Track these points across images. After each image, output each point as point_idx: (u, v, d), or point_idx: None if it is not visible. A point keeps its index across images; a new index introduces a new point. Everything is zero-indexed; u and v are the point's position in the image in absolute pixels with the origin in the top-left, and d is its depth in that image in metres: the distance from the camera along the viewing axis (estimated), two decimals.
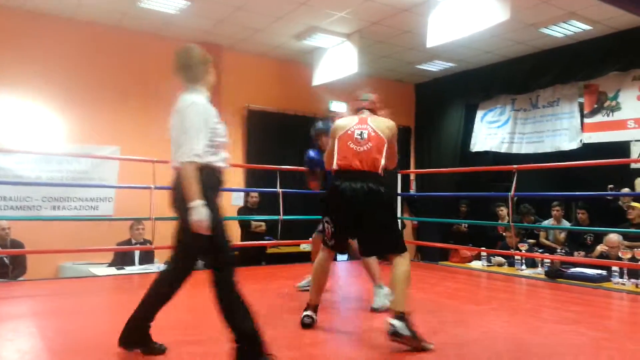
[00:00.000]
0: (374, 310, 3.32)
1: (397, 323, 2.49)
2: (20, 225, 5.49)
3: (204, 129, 2.27)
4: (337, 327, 3.18)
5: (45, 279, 4.91)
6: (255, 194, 6.47)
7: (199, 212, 2.17)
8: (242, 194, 7.27)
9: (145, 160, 5.06)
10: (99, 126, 6.67)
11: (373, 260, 3.46)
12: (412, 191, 9.08)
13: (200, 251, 2.33)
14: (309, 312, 2.91)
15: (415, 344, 2.49)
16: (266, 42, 7.46)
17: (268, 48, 7.74)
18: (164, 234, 5.59)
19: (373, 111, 3.05)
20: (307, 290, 3.30)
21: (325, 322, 3.07)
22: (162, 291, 2.35)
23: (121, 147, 6.58)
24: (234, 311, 2.22)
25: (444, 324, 3.06)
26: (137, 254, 5.52)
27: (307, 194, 7.00)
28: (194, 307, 3.40)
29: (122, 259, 5.44)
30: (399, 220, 3.02)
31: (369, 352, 2.60)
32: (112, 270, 5.01)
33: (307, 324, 2.88)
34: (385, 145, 2.86)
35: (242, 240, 6.42)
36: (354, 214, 2.78)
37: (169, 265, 2.42)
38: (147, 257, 5.51)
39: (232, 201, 7.54)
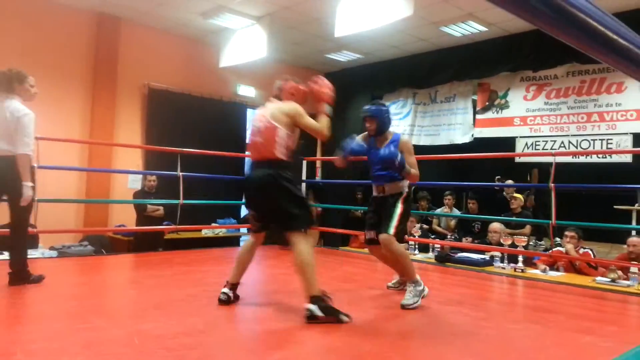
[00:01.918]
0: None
1: (311, 307, 2.69)
2: None
3: (32, 131, 3.28)
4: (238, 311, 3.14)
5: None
6: (153, 178, 6.16)
7: (30, 190, 3.26)
8: (139, 177, 6.91)
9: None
10: None
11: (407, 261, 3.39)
12: (318, 178, 9.21)
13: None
14: (224, 290, 3.07)
15: (331, 320, 2.69)
16: (170, 17, 7.12)
17: (172, 24, 7.39)
18: (49, 217, 5.22)
19: (279, 98, 3.16)
20: (396, 289, 3.69)
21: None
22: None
23: None
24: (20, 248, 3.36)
25: (342, 307, 3.12)
26: None
27: (209, 178, 6.84)
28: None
29: (2, 243, 4.95)
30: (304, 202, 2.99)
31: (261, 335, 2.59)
32: None
33: (222, 300, 3.03)
34: (279, 131, 2.97)
35: (137, 224, 6.10)
36: (259, 199, 3.06)
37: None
38: (31, 242, 5.05)
39: (128, 184, 7.16)
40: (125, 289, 3.78)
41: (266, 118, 3.01)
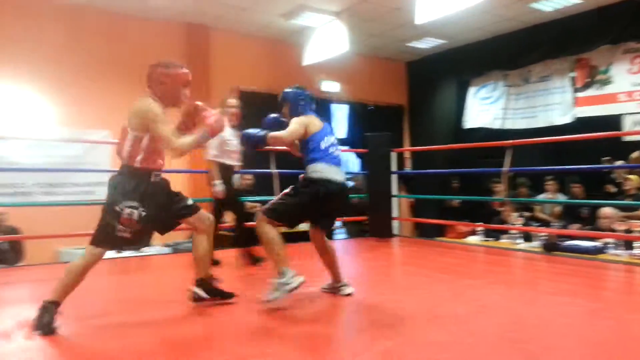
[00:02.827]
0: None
1: (46, 310, 2.41)
2: (16, 212, 5.46)
3: (215, 142, 3.92)
4: None
5: (44, 263, 4.89)
6: (250, 176, 6.43)
7: (216, 186, 4.04)
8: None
9: None
10: (87, 110, 6.60)
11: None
12: (408, 169, 9.11)
13: None
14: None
15: (42, 332, 2.37)
16: (253, 21, 7.37)
17: (256, 28, 7.64)
18: None
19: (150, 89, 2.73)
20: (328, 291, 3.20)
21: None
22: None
23: (111, 131, 6.49)
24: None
25: (442, 299, 3.09)
26: None
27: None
28: None
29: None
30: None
31: None
32: (111, 254, 4.99)
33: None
34: (129, 135, 2.58)
35: None
36: None
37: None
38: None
39: None
40: (232, 282, 3.96)
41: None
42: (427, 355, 2.12)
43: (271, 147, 3.16)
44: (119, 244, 2.58)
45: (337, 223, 7.78)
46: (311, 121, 3.11)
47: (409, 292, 3.32)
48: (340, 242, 6.21)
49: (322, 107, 8.85)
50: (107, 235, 2.50)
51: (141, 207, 2.52)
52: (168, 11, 6.92)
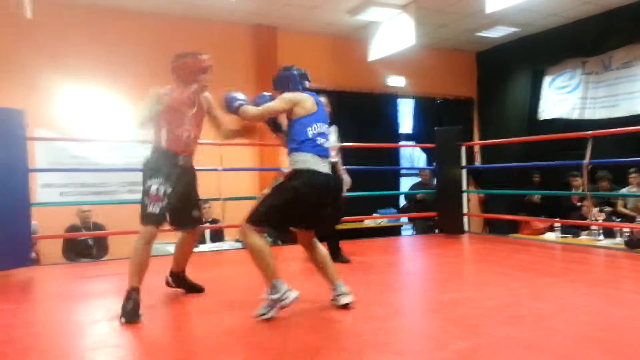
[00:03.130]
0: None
1: (128, 298, 2.62)
2: (100, 209, 5.84)
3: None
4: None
5: (127, 258, 5.19)
6: None
7: None
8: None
9: (212, 143, 5.19)
10: None
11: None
12: (477, 163, 8.84)
13: None
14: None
15: (127, 319, 2.55)
16: (320, 19, 7.42)
17: (322, 25, 7.70)
18: (232, 215, 5.82)
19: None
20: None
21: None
22: None
23: None
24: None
25: (520, 297, 2.98)
26: (207, 232, 5.74)
27: (369, 170, 6.99)
28: None
29: None
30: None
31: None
32: None
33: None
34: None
35: None
36: None
37: None
38: (218, 236, 5.72)
39: None
40: (300, 276, 4.01)
41: None
42: (509, 353, 2.07)
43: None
44: (153, 220, 2.71)
45: (404, 219, 7.72)
46: (301, 100, 2.77)
47: (483, 290, 3.24)
48: (408, 238, 6.15)
49: (388, 102, 8.81)
50: (143, 213, 2.70)
51: (167, 184, 2.72)
52: (238, 14, 7.13)
